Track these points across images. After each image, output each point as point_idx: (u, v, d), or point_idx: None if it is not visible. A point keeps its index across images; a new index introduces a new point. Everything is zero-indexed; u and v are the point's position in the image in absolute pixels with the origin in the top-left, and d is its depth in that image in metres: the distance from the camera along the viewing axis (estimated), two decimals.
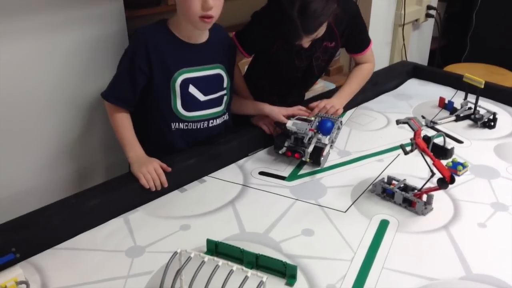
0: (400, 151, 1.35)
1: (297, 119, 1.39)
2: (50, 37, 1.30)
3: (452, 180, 1.07)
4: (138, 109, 1.30)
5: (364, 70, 1.61)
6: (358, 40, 1.55)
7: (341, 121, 1.45)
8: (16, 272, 0.92)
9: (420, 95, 1.79)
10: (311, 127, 1.34)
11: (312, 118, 1.39)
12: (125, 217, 1.14)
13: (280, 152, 1.35)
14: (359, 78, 1.59)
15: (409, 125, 1.12)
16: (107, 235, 1.08)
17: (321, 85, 2.33)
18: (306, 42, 1.34)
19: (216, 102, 1.36)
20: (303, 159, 1.32)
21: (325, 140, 1.33)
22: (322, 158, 1.32)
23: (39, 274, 0.97)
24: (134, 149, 1.26)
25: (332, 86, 2.40)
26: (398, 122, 1.19)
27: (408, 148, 1.14)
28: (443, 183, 1.08)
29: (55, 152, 1.42)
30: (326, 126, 1.37)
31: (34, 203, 1.17)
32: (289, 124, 1.35)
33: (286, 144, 1.34)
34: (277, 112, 1.42)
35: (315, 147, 1.31)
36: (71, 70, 1.37)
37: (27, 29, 1.25)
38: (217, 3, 1.19)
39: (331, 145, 1.40)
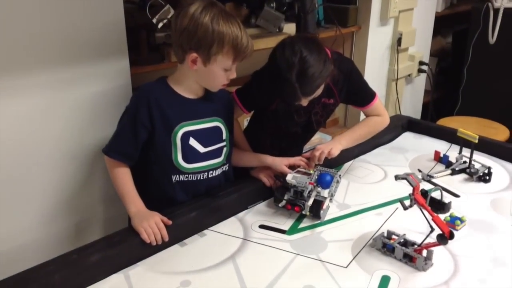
0: (398, 204, 1.37)
1: (296, 172, 1.41)
2: (57, 93, 1.33)
3: (451, 236, 1.09)
4: (138, 163, 1.31)
5: (371, 120, 1.61)
6: (359, 95, 1.57)
7: (340, 175, 1.47)
8: None
9: (415, 149, 1.83)
10: (311, 180, 1.35)
11: (312, 171, 1.41)
12: (125, 273, 1.13)
13: (280, 205, 1.36)
14: (364, 126, 1.60)
15: (408, 181, 1.15)
16: None
17: (317, 137, 2.37)
18: (304, 102, 1.37)
19: (215, 154, 1.38)
20: (303, 212, 1.33)
21: (325, 193, 1.35)
22: (322, 211, 1.33)
23: None
24: (134, 203, 1.26)
25: (328, 137, 2.44)
26: (396, 177, 1.21)
27: (407, 204, 1.15)
28: (443, 239, 1.09)
29: (54, 205, 1.42)
30: (325, 179, 1.38)
31: (34, 256, 1.17)
32: (289, 177, 1.36)
33: (285, 197, 1.35)
34: (279, 162, 1.44)
35: (314, 200, 1.32)
36: (74, 124, 1.39)
37: (36, 85, 1.28)
38: None
39: (330, 199, 1.41)
